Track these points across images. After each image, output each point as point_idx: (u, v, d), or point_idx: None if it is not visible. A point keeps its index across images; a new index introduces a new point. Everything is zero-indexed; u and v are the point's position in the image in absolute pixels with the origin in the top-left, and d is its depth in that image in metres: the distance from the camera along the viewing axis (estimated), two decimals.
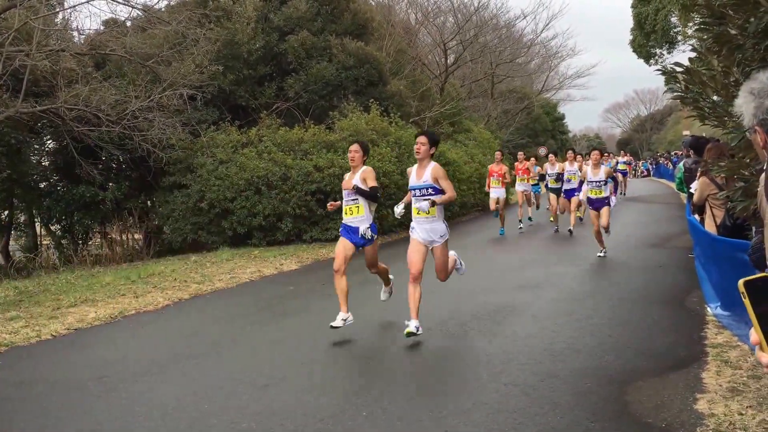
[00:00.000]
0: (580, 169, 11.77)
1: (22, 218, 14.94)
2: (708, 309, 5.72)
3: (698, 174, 6.06)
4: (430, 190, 5.29)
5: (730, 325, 5.10)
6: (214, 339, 5.82)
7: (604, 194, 9.45)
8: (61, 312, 7.05)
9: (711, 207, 5.47)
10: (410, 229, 5.46)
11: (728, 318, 5.19)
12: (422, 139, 5.43)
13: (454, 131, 21.03)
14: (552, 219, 13.88)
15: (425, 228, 5.34)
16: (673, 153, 38.01)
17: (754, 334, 1.13)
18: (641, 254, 9.64)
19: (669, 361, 4.55)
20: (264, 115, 15.03)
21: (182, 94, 12.81)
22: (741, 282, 1.11)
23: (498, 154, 13.51)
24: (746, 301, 1.11)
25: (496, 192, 12.89)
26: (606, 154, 19.11)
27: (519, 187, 14.37)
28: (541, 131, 38.05)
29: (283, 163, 12.89)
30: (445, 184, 5.28)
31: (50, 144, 14.49)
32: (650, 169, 43.68)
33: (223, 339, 5.82)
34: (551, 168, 13.96)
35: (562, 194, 12.99)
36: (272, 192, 12.68)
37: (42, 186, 14.25)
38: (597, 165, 9.92)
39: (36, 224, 14.66)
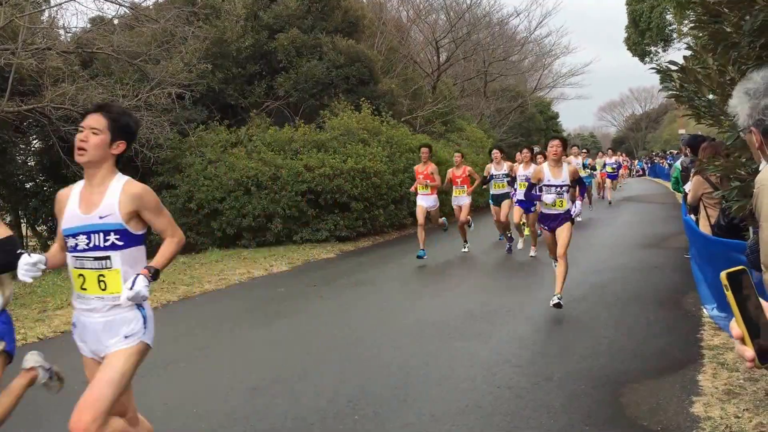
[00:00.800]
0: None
1: (8, 219, 14.73)
2: (704, 310, 5.70)
3: (692, 173, 6.04)
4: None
5: (727, 327, 5.03)
6: (202, 341, 5.76)
7: (564, 207, 6.28)
8: (48, 315, 6.97)
9: (705, 207, 5.44)
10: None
11: (725, 320, 5.16)
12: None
13: (446, 130, 20.99)
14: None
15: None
16: (669, 152, 38.04)
17: (736, 328, 1.12)
18: (636, 255, 9.60)
19: (664, 363, 4.52)
20: (253, 114, 14.91)
21: (170, 92, 12.68)
22: (723, 274, 1.11)
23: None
24: (728, 294, 1.11)
25: (423, 200, 9.63)
26: (583, 151, 17.40)
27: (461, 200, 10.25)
28: (535, 130, 38.05)
29: (273, 163, 12.78)
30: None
31: (36, 144, 14.32)
32: (645, 168, 43.79)
33: (212, 341, 5.75)
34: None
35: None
36: (262, 192, 12.57)
37: (28, 186, 14.11)
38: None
39: (22, 225, 14.48)
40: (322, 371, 4.70)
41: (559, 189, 6.23)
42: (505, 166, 10.26)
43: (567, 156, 13.66)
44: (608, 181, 20.13)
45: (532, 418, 3.62)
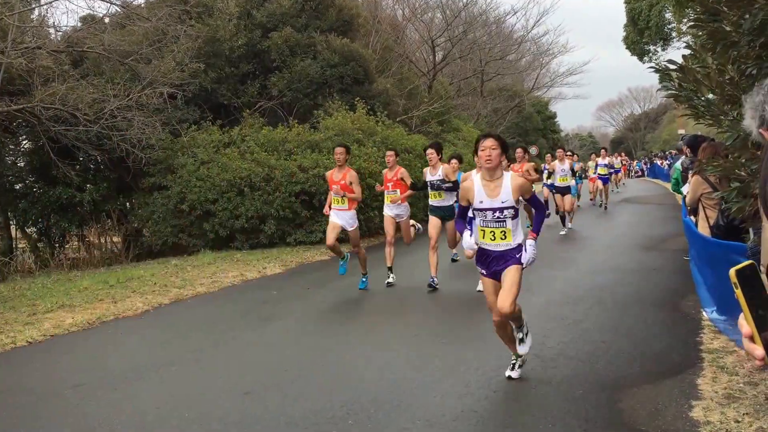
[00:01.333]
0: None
1: None
2: (704, 313, 5.67)
3: (691, 173, 6.00)
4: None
5: (727, 330, 5.04)
6: (195, 345, 5.70)
7: (510, 240, 4.23)
8: (37, 318, 6.90)
9: (704, 208, 5.40)
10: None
11: (724, 323, 5.12)
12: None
13: (442, 130, 20.95)
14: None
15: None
16: (668, 152, 38.01)
17: (746, 326, 1.10)
18: (635, 257, 9.57)
19: (663, 366, 4.49)
20: (247, 114, 14.81)
21: (162, 92, 12.58)
22: (732, 271, 1.09)
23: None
24: (738, 291, 1.09)
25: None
26: (568, 154, 14.75)
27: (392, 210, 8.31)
28: (532, 130, 38.12)
29: (266, 164, 12.68)
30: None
31: (26, 144, 14.19)
32: (644, 169, 43.79)
33: (204, 345, 5.68)
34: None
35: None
36: (255, 193, 12.47)
37: (17, 187, 13.97)
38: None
39: (11, 227, 14.33)
40: (317, 375, 4.65)
41: (498, 214, 4.16)
42: (441, 171, 7.87)
43: (553, 159, 13.57)
44: (600, 184, 17.86)
45: (529, 423, 3.60)
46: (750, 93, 1.60)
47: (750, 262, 1.11)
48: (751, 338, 1.10)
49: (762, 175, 1.25)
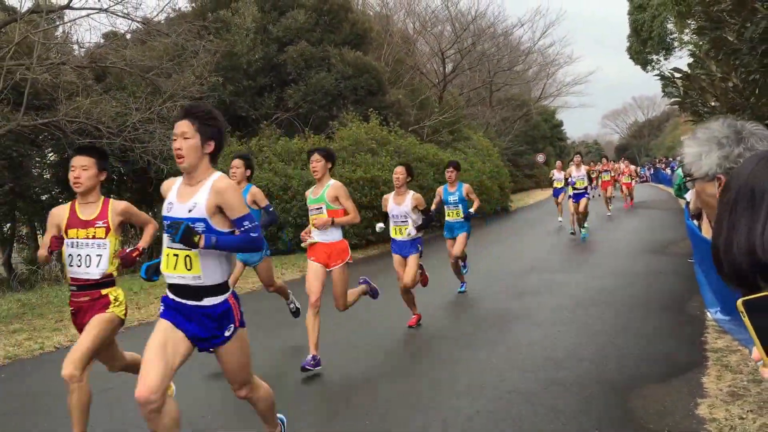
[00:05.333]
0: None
1: (25, 231, 14.96)
2: (708, 314, 5.74)
3: None
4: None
5: (731, 330, 5.11)
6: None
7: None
8: (64, 324, 7.04)
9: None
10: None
11: (728, 323, 5.20)
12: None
13: (453, 139, 21.09)
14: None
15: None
16: (671, 158, 37.94)
17: (756, 352, 1.12)
18: (641, 260, 9.65)
19: (670, 366, 4.56)
20: (264, 125, 15.10)
21: (183, 105, 12.83)
22: (740, 302, 1.11)
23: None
24: (746, 320, 1.11)
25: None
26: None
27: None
28: (540, 138, 38.17)
29: (283, 173, 12.93)
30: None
31: (52, 156, 14.53)
32: (648, 175, 43.63)
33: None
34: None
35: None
36: (273, 202, 12.69)
37: (44, 198, 14.28)
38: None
39: (38, 237, 14.68)
40: (332, 377, 4.74)
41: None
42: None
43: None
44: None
45: (542, 423, 3.65)
46: (707, 127, 1.60)
47: (761, 294, 1.10)
48: (764, 362, 1.11)
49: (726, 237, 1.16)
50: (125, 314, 3.76)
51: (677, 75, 4.49)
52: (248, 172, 5.69)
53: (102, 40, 14.36)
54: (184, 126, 2.83)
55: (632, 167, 22.88)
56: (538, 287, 7.95)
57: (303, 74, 15.99)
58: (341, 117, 15.48)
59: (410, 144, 15.60)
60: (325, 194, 4.88)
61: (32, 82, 11.34)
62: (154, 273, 3.13)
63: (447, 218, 7.69)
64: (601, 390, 4.14)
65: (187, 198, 2.85)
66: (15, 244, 14.63)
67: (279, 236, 12.70)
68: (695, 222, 6.04)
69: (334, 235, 4.97)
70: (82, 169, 3.52)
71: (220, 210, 2.81)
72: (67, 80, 12.24)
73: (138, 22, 13.48)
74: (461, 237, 7.50)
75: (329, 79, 15.84)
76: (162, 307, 2.91)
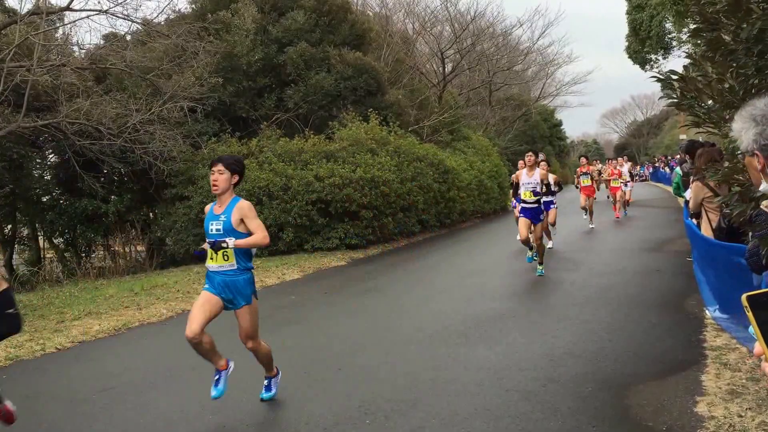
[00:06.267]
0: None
1: (25, 232, 15.00)
2: (706, 312, 5.76)
3: (691, 179, 6.11)
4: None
5: (729, 328, 5.14)
6: (217, 349, 5.83)
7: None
8: (65, 325, 7.08)
9: (707, 211, 5.52)
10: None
11: (727, 321, 5.23)
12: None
13: (452, 139, 21.13)
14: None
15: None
16: (670, 157, 37.99)
17: (759, 347, 1.14)
18: (639, 258, 9.68)
19: (668, 364, 4.58)
20: (264, 126, 15.13)
21: (182, 106, 12.90)
22: (744, 297, 1.12)
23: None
24: (749, 315, 1.12)
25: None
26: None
27: None
28: (539, 137, 38.24)
29: (283, 174, 12.96)
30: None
31: (52, 158, 14.57)
32: (646, 173, 43.76)
33: (226, 350, 5.82)
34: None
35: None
36: (273, 202, 12.75)
37: (45, 200, 14.30)
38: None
39: (39, 238, 14.72)
40: (334, 376, 4.78)
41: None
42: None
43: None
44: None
45: (540, 420, 3.67)
46: (752, 103, 1.67)
47: (766, 290, 1.13)
48: (766, 357, 1.14)
49: None
50: None
51: (674, 77, 4.51)
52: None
53: (102, 42, 14.39)
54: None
55: (624, 168, 18.45)
56: (534, 286, 7.98)
57: (303, 75, 16.01)
58: (341, 117, 15.51)
59: (410, 144, 15.63)
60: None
61: (32, 83, 11.37)
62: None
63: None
64: (599, 387, 4.16)
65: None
66: (16, 246, 14.66)
67: (280, 236, 12.73)
68: (694, 221, 6.07)
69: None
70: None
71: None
72: (68, 82, 12.27)
73: (138, 23, 13.53)
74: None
75: (329, 80, 15.87)
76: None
